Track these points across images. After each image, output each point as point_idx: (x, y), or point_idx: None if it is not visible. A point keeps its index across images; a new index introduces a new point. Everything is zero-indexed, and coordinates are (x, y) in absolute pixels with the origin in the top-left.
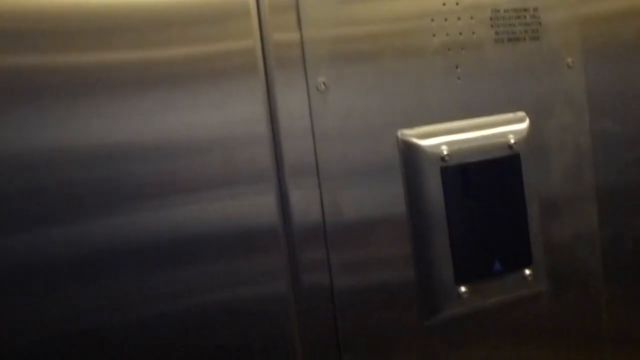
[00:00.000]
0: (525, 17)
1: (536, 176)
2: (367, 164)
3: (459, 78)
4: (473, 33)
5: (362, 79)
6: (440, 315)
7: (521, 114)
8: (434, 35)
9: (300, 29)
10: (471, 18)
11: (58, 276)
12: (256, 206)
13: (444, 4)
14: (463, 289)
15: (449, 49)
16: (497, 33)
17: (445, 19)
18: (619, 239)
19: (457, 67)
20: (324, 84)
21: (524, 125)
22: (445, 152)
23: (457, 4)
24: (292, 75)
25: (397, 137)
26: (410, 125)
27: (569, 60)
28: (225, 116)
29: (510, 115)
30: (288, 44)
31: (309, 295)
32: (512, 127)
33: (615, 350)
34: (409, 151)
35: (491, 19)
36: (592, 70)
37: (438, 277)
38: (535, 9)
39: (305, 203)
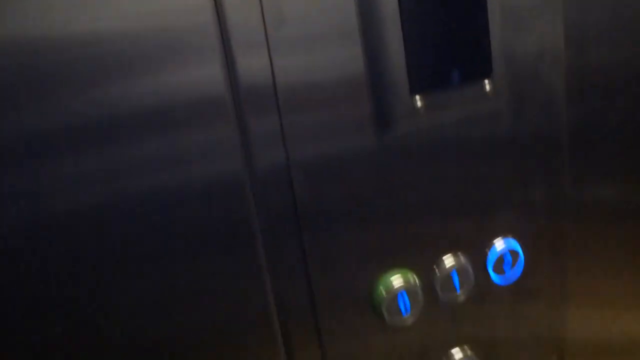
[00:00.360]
0: None
1: None
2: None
3: None
4: None
5: None
6: (395, 129)
7: None
8: None
9: None
10: None
11: None
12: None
13: None
14: (418, 99)
15: None
16: None
17: None
18: (584, 57)
19: None
20: None
21: None
22: None
23: None
24: None
25: None
26: None
27: None
28: None
29: None
30: None
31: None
32: None
33: (576, 174)
34: None
35: None
36: None
37: (392, 87)
38: None
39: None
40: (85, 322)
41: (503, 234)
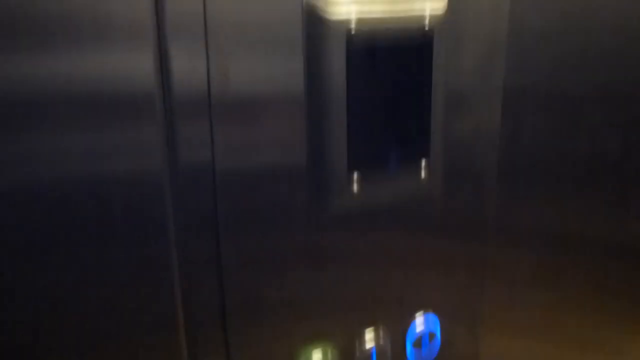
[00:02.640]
0: None
1: (446, 62)
2: (264, 28)
3: None
4: None
5: None
6: (331, 203)
7: None
8: None
9: None
10: None
11: None
12: (131, 67)
13: None
14: (356, 176)
15: None
16: None
17: None
18: (516, 138)
19: None
20: None
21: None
22: (353, 24)
23: None
24: None
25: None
26: None
27: None
28: None
29: None
30: None
31: (187, 172)
32: (429, 3)
33: (500, 244)
34: (314, 18)
35: None
36: None
37: (331, 161)
38: None
39: (188, 68)
40: None
41: (424, 309)
